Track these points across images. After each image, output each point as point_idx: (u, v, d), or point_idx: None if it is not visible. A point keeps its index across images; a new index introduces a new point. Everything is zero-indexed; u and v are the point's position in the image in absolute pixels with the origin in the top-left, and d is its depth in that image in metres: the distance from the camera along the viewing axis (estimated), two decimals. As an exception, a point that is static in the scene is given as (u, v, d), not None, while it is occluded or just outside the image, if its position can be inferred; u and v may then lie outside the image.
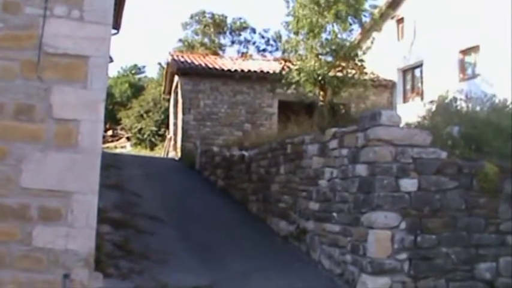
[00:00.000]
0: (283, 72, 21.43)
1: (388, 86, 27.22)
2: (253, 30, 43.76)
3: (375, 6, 22.24)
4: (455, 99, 12.35)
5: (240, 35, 43.94)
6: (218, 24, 42.98)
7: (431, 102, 12.77)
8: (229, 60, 29.74)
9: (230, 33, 44.01)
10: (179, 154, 26.26)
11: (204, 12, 42.92)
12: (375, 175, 8.58)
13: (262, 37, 41.56)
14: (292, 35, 21.79)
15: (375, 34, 22.89)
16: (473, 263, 8.82)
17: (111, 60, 17.31)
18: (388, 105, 25.91)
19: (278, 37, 23.14)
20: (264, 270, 9.87)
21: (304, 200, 11.25)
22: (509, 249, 9.00)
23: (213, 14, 42.85)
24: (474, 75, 22.12)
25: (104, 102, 7.39)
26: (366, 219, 8.71)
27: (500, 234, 9.01)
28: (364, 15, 21.60)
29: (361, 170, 8.93)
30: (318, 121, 13.83)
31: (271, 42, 41.65)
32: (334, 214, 9.88)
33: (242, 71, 26.02)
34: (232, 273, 9.62)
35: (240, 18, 43.66)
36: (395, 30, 27.65)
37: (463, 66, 23.03)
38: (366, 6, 21.48)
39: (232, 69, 26.10)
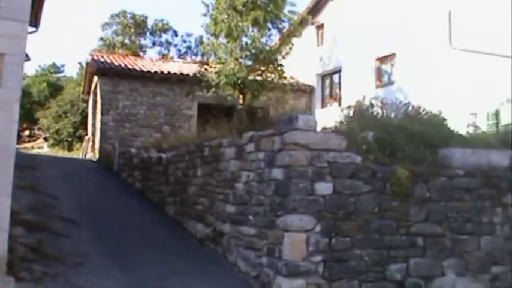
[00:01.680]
0: (203, 75, 21.47)
1: (307, 91, 27.63)
2: (175, 32, 43.45)
3: (294, 12, 22.54)
4: (371, 105, 12.62)
5: (161, 36, 43.58)
6: (139, 25, 42.49)
7: (349, 107, 13.02)
8: (150, 61, 29.62)
9: (151, 34, 43.57)
10: (97, 155, 25.92)
11: (124, 12, 42.39)
12: (291, 178, 8.68)
13: (184, 41, 41.36)
14: (212, 38, 21.86)
15: (295, 39, 23.16)
16: (385, 264, 9.05)
17: (28, 59, 16.97)
18: (307, 109, 26.29)
19: (200, 40, 23.06)
20: (180, 273, 9.86)
21: (221, 202, 11.30)
22: (418, 251, 9.28)
23: (133, 15, 42.36)
24: (390, 82, 22.74)
25: (19, 102, 7.26)
26: (281, 222, 8.81)
27: (411, 236, 9.27)
28: (284, 21, 21.88)
29: (277, 173, 9.02)
30: (236, 124, 13.93)
31: (193, 45, 41.58)
32: (251, 217, 9.95)
33: (162, 72, 25.95)
34: (148, 276, 9.55)
35: (162, 20, 43.31)
36: (315, 36, 28.09)
37: (379, 74, 23.64)
38: (286, 11, 21.77)
39: (152, 71, 25.99)
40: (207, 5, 21.75)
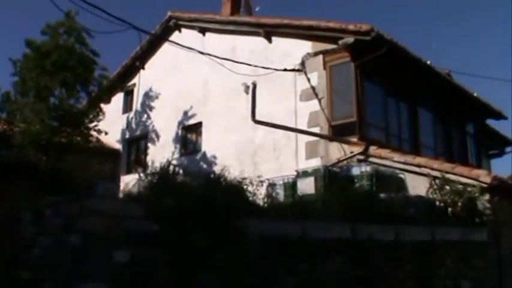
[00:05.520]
0: (7, 134, 20.76)
1: (113, 155, 27.33)
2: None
3: (105, 77, 22.56)
4: (174, 172, 12.82)
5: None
6: None
7: (152, 174, 13.11)
8: None
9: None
10: None
11: None
12: (88, 245, 8.61)
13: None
14: (19, 96, 21.30)
15: (105, 103, 23.14)
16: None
17: None
18: (112, 174, 26.00)
19: (6, 97, 22.26)
20: None
21: (17, 269, 10.85)
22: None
23: None
24: (195, 150, 23.18)
25: None
26: (78, 289, 8.67)
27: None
28: (93, 85, 21.83)
29: (75, 239, 8.90)
30: (37, 187, 13.55)
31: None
32: (47, 284, 9.67)
33: (-41, 130, 24.64)
34: None
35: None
36: (124, 101, 28.21)
37: (185, 141, 24.06)
38: (96, 75, 21.76)
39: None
40: (14, 63, 21.25)
